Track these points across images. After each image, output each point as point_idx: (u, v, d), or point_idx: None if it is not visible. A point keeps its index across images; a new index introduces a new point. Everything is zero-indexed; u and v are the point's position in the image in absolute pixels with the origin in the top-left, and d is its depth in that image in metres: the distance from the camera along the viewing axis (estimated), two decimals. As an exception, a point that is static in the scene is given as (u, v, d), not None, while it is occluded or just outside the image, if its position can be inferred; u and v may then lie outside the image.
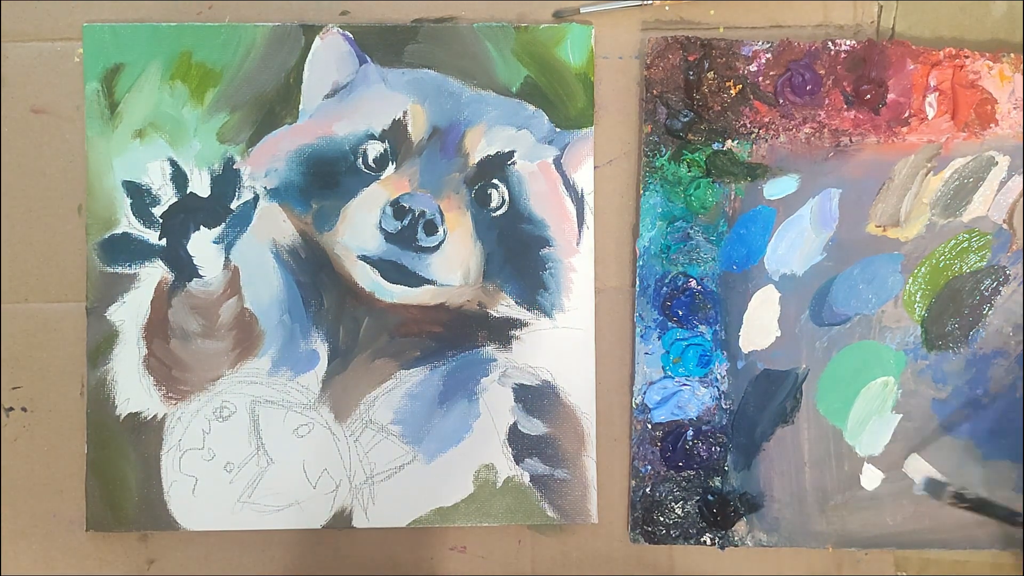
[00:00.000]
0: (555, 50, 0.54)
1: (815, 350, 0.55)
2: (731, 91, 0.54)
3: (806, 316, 0.55)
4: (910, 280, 0.55)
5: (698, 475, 0.55)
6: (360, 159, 0.54)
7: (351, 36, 0.54)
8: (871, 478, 0.54)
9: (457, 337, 0.54)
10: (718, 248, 0.55)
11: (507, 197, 0.54)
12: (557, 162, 0.54)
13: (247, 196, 0.54)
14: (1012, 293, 0.55)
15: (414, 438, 0.54)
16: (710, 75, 0.54)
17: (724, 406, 0.55)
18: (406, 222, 0.53)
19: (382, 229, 0.54)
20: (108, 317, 0.53)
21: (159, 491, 0.53)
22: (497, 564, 0.55)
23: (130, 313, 0.53)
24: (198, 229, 0.54)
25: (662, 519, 0.55)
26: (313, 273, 0.54)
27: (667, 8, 0.55)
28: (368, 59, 0.54)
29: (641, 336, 0.55)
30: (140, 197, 0.54)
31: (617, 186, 0.55)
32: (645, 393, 0.55)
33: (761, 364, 0.55)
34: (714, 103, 0.54)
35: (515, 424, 0.54)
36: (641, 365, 0.55)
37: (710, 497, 0.55)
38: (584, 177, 0.55)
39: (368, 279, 0.54)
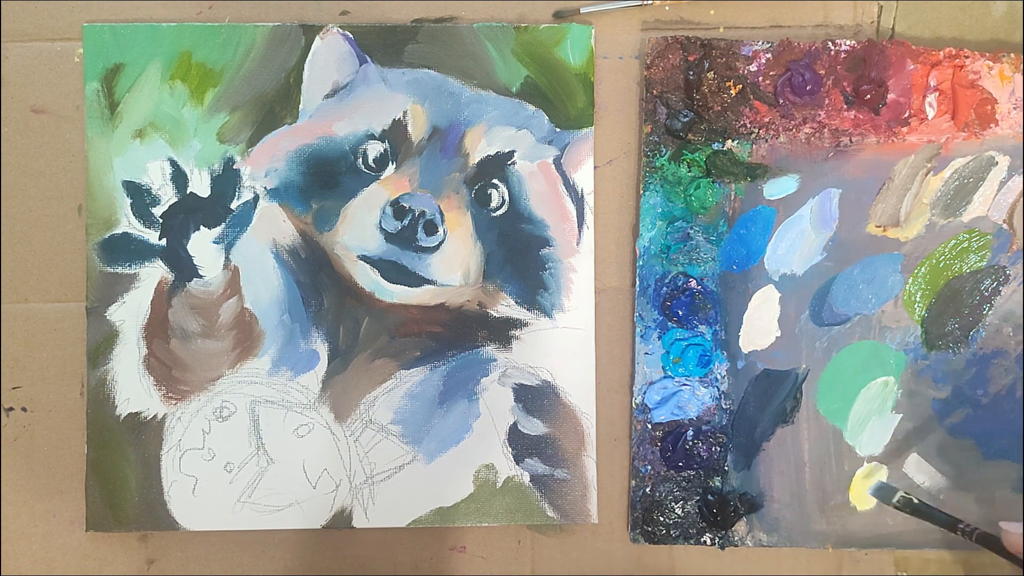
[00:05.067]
0: (555, 50, 0.54)
1: (815, 350, 0.55)
2: (731, 91, 0.54)
3: (806, 316, 0.55)
4: (910, 280, 0.55)
5: (698, 475, 0.55)
6: (360, 159, 0.54)
7: (351, 36, 0.54)
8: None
9: (457, 337, 0.54)
10: (718, 248, 0.55)
11: (507, 197, 0.54)
12: (557, 162, 0.54)
13: (247, 196, 0.54)
14: (1012, 293, 0.55)
15: (414, 438, 0.54)
16: (710, 75, 0.54)
17: (724, 406, 0.55)
18: (406, 222, 0.53)
19: (382, 229, 0.54)
20: (108, 317, 0.53)
21: (159, 491, 0.53)
22: (497, 564, 0.55)
23: (130, 313, 0.53)
24: (198, 229, 0.54)
25: (662, 519, 0.55)
26: (313, 273, 0.54)
27: (667, 8, 0.55)
28: (368, 59, 0.54)
29: (641, 336, 0.55)
30: (140, 197, 0.54)
31: (617, 186, 0.55)
32: (645, 393, 0.55)
33: (761, 364, 0.55)
34: (714, 103, 0.54)
35: (515, 424, 0.54)
36: (641, 365, 0.55)
37: (710, 497, 0.55)
38: (584, 177, 0.55)
39: (368, 279, 0.54)
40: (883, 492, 0.53)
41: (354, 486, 0.54)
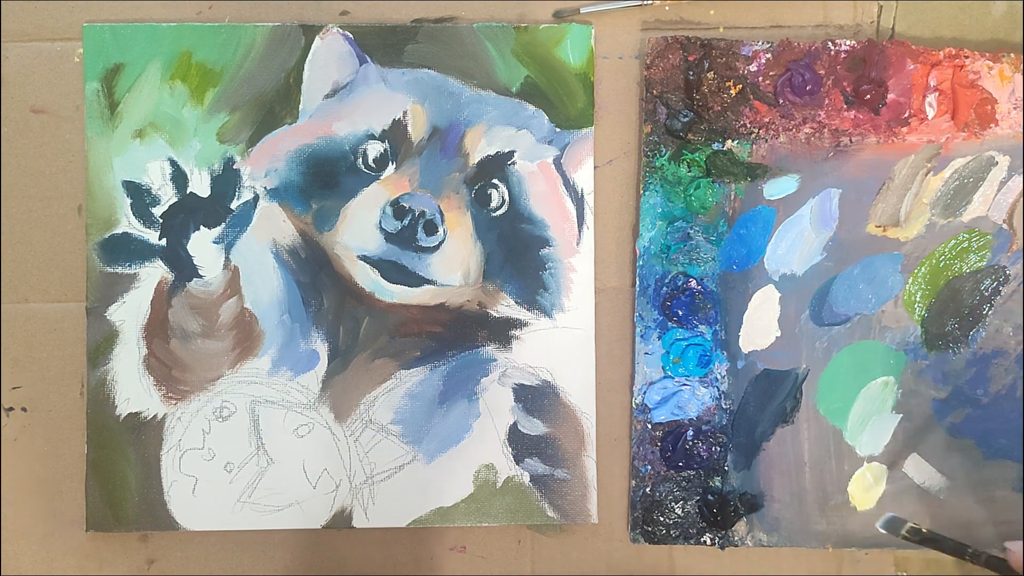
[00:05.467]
0: (555, 50, 0.54)
1: (815, 350, 0.55)
2: (731, 91, 0.54)
3: (806, 316, 0.55)
4: (910, 280, 0.55)
5: (698, 475, 0.55)
6: (360, 159, 0.54)
7: (351, 36, 0.54)
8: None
9: (457, 337, 0.54)
10: (718, 248, 0.55)
11: (507, 197, 0.54)
12: (557, 162, 0.54)
13: (247, 196, 0.54)
14: (1012, 293, 0.55)
15: (414, 438, 0.54)
16: (710, 75, 0.54)
17: (724, 406, 0.55)
18: (406, 222, 0.53)
19: (382, 229, 0.54)
20: (108, 317, 0.53)
21: (159, 491, 0.53)
22: (497, 564, 0.55)
23: (130, 313, 0.53)
24: (198, 229, 0.54)
25: (662, 519, 0.55)
26: (313, 273, 0.54)
27: (667, 8, 0.55)
28: (368, 59, 0.54)
29: (641, 336, 0.55)
30: (140, 197, 0.54)
31: (617, 186, 0.55)
32: (645, 393, 0.55)
33: (761, 364, 0.55)
34: (714, 103, 0.54)
35: (515, 424, 0.54)
36: (641, 365, 0.55)
37: (710, 497, 0.55)
38: (584, 177, 0.55)
39: (368, 279, 0.54)
40: (892, 525, 0.52)
41: (354, 486, 0.54)
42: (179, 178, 0.54)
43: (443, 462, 0.54)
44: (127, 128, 0.53)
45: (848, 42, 0.54)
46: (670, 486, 0.55)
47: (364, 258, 0.54)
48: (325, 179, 0.54)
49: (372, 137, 0.54)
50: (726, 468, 0.55)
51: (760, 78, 0.54)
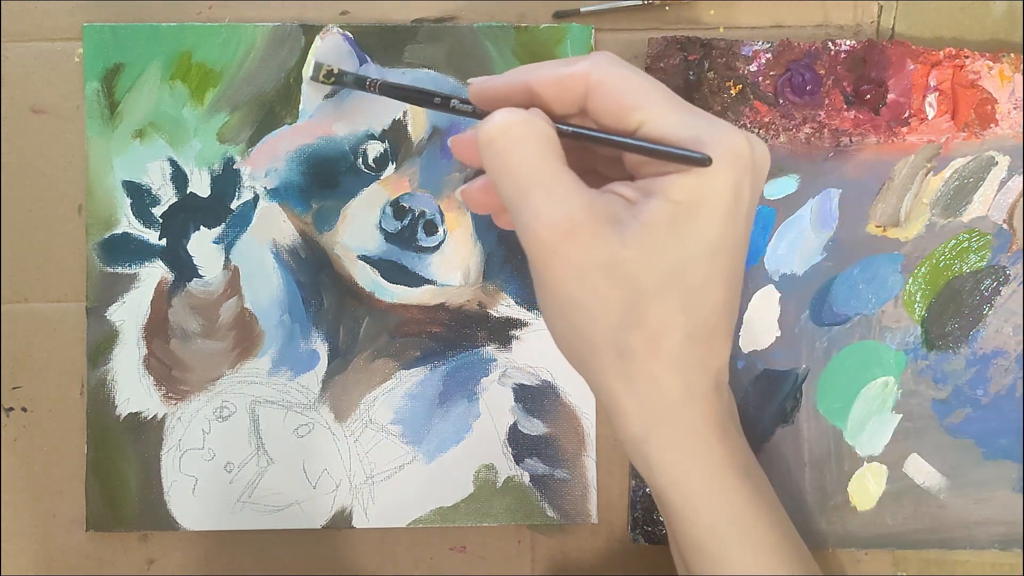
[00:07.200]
0: (555, 50, 0.54)
1: (815, 350, 0.55)
2: (731, 91, 0.54)
3: (806, 316, 0.55)
4: (910, 280, 0.55)
5: (698, 475, 0.55)
6: (360, 159, 0.54)
7: (351, 36, 0.54)
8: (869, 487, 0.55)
9: (457, 337, 0.54)
10: (718, 248, 0.55)
11: (507, 197, 0.54)
12: (557, 162, 0.54)
13: (247, 196, 0.54)
14: (1012, 293, 0.55)
15: (414, 438, 0.54)
16: (710, 75, 0.54)
17: (724, 406, 0.55)
18: (406, 222, 0.53)
19: (382, 229, 0.54)
20: (108, 317, 0.53)
21: (159, 491, 0.53)
22: (497, 564, 0.55)
23: (130, 313, 0.53)
24: (198, 229, 0.54)
25: (662, 519, 0.55)
26: (313, 273, 0.54)
27: (667, 8, 0.55)
28: (368, 59, 0.54)
29: (641, 336, 0.55)
30: (140, 197, 0.54)
31: (617, 186, 0.55)
32: (645, 393, 0.55)
33: (761, 364, 0.55)
34: (714, 103, 0.54)
35: (515, 424, 0.54)
36: (641, 365, 0.55)
37: (710, 497, 0.54)
38: (584, 177, 0.54)
39: (368, 279, 0.54)
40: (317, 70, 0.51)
41: (354, 486, 0.54)
42: (179, 178, 0.54)
43: (443, 462, 0.54)
44: (127, 128, 0.53)
45: (848, 42, 0.54)
46: (670, 486, 0.55)
47: (364, 258, 0.54)
48: (325, 179, 0.54)
49: (372, 137, 0.54)
50: (726, 468, 0.55)
51: (760, 78, 0.54)
